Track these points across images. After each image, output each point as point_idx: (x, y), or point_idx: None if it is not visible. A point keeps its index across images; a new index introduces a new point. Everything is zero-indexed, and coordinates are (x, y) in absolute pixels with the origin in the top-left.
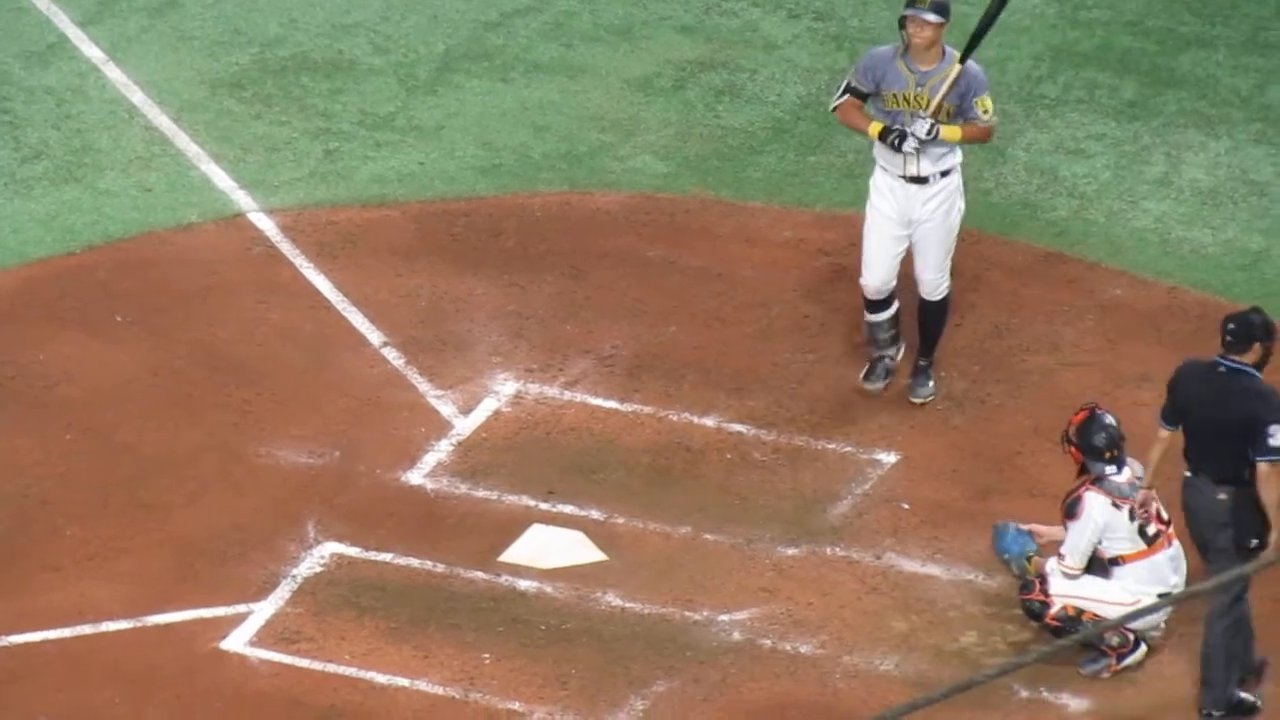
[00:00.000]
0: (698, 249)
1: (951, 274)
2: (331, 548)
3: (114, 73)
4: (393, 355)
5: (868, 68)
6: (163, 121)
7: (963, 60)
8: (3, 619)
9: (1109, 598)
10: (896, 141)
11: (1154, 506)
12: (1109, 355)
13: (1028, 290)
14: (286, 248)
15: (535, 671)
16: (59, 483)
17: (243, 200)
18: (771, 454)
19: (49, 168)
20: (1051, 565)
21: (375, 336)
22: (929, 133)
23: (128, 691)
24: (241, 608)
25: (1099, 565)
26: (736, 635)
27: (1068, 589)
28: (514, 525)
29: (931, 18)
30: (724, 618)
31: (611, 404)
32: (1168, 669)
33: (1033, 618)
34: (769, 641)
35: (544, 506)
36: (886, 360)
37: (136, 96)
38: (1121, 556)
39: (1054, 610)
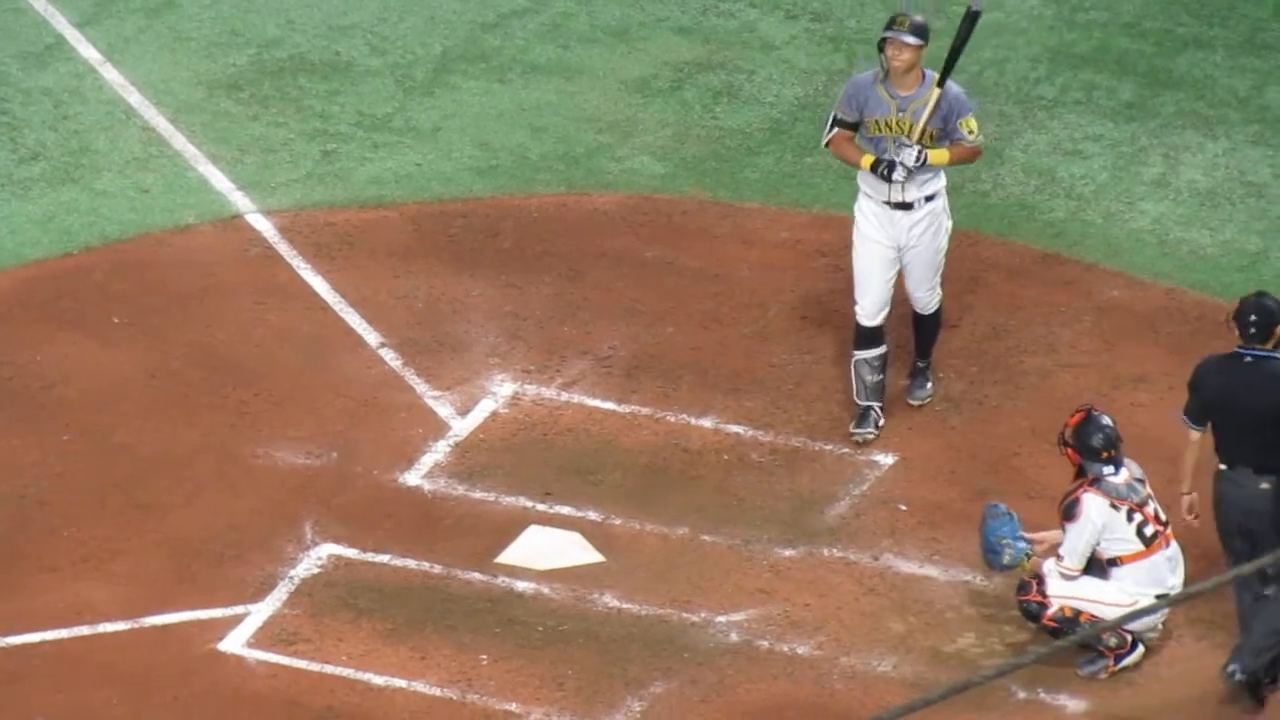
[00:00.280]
0: (695, 250)
1: (941, 284)
2: (329, 549)
3: (111, 74)
4: (390, 356)
5: (850, 96)
6: (160, 122)
7: (940, 83)
8: (0, 620)
9: (1107, 599)
10: (886, 172)
11: (1152, 507)
12: (1106, 356)
13: (1025, 291)
14: (284, 249)
15: (532, 672)
16: (56, 483)
17: (240, 201)
18: (769, 455)
19: (46, 169)
20: (1049, 566)
21: (372, 337)
22: (917, 159)
23: (125, 692)
24: (239, 609)
25: (1097, 566)
26: (734, 636)
27: (1065, 590)
28: (511, 526)
29: (910, 40)
30: (721, 619)
31: (609, 405)
32: (1165, 670)
33: (1030, 619)
34: (766, 643)
35: (541, 507)
36: (875, 412)
37: (134, 97)
38: (1120, 557)
39: (1051, 611)
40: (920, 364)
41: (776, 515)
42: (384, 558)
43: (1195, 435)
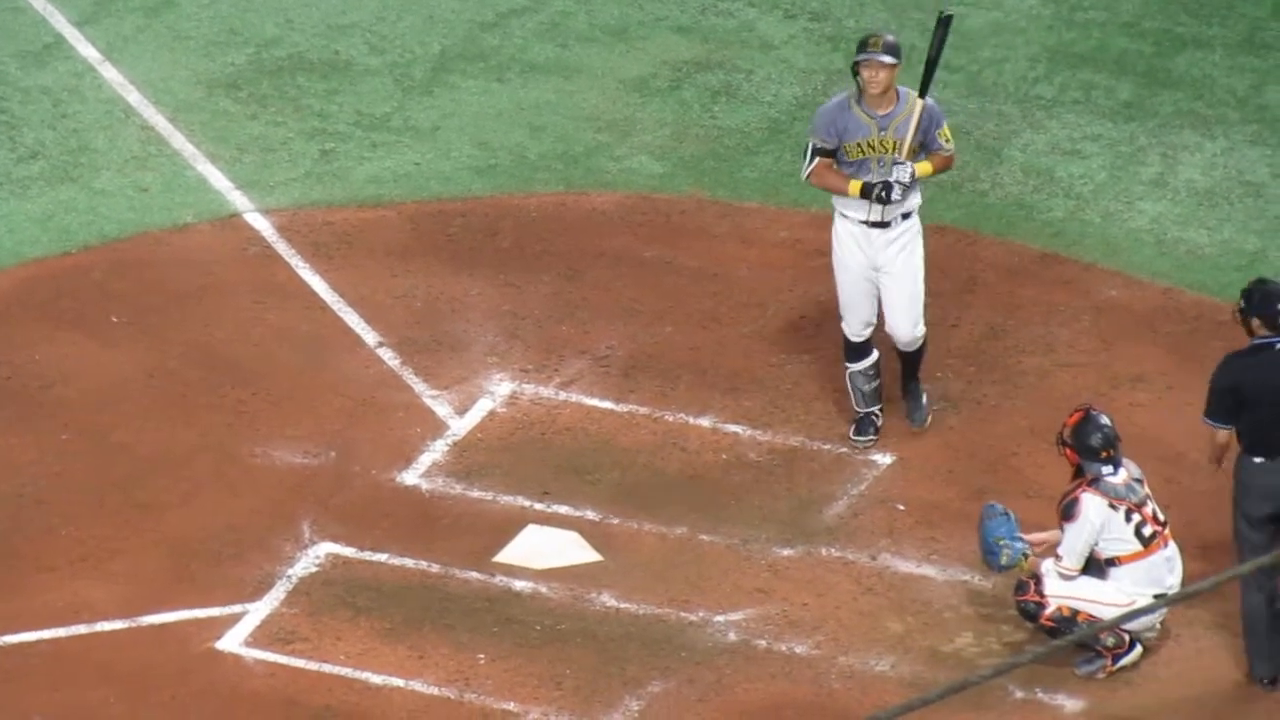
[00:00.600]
0: (693, 249)
1: (925, 319)
2: (327, 548)
3: (110, 73)
4: (388, 355)
5: (827, 124)
6: (159, 121)
7: (922, 94)
8: None
9: (1104, 598)
10: (884, 194)
11: (1150, 507)
12: (1105, 356)
13: (1023, 291)
14: (282, 248)
15: (530, 672)
16: (54, 483)
17: (238, 200)
18: (767, 455)
19: (45, 168)
20: (1048, 566)
21: (371, 337)
22: (910, 177)
23: (123, 691)
24: (237, 608)
25: (1095, 566)
26: (732, 636)
27: (1063, 590)
28: (509, 525)
29: (886, 59)
30: (719, 618)
31: (607, 404)
32: (1163, 670)
33: (1028, 618)
34: (764, 642)
35: (539, 507)
36: (874, 418)
37: (132, 96)
38: (1118, 557)
39: (1049, 611)
40: (911, 385)
41: (774, 515)
42: (382, 557)
43: (1224, 434)
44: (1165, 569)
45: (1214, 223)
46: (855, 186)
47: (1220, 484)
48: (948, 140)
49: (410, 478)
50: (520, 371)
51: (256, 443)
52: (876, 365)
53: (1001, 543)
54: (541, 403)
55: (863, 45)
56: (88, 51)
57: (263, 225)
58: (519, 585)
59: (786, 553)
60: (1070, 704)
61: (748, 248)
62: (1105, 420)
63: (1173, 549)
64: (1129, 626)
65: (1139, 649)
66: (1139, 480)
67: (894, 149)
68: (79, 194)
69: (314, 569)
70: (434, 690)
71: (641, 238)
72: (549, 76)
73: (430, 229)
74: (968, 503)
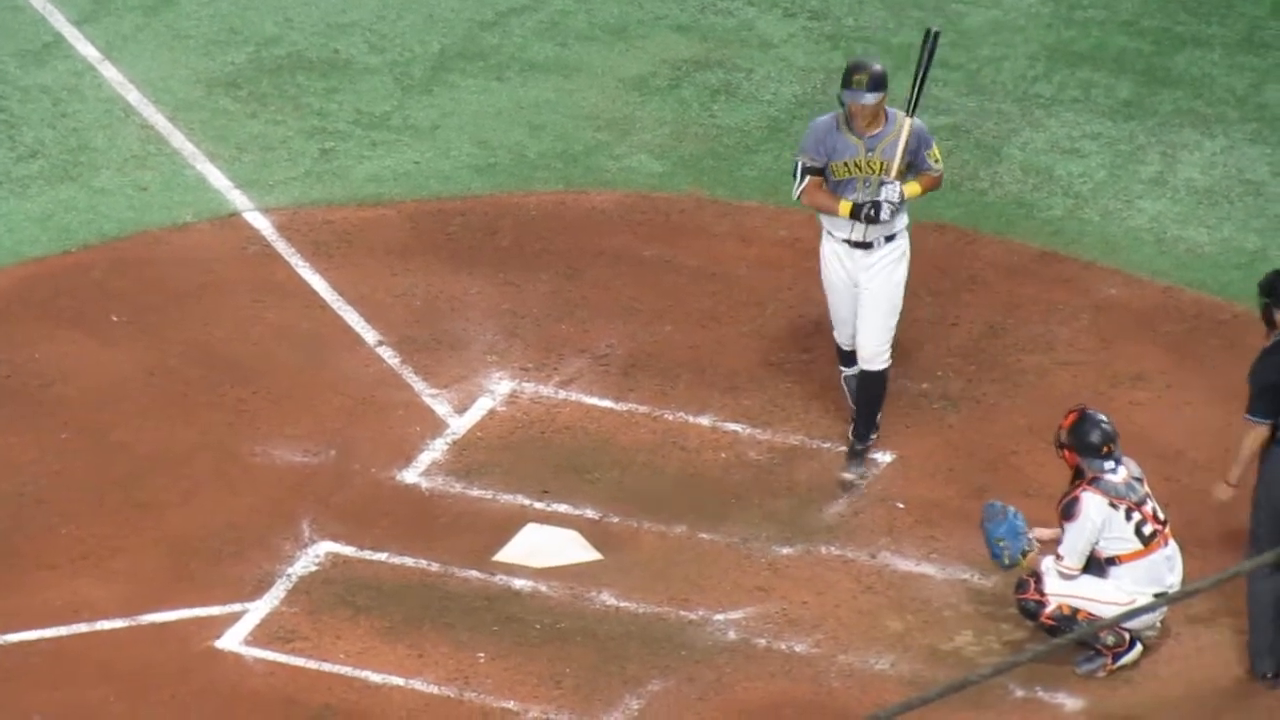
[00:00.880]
0: (693, 248)
1: (894, 347)
2: (326, 547)
3: (109, 71)
4: (388, 354)
5: (816, 142)
6: (158, 120)
7: (911, 113)
8: None
9: (1104, 597)
10: (873, 213)
11: (1150, 506)
12: (1104, 354)
13: (1023, 289)
14: (282, 247)
15: (530, 670)
16: (54, 481)
17: (238, 199)
18: (767, 453)
19: (44, 167)
20: (1048, 565)
21: (370, 335)
22: (899, 197)
23: (122, 690)
24: (236, 606)
25: (1095, 565)
26: (731, 634)
27: (1063, 588)
28: (509, 524)
29: (870, 100)
30: (719, 617)
31: (606, 403)
32: (1163, 669)
33: (1028, 617)
34: (764, 640)
35: (539, 505)
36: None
37: (132, 95)
38: (1118, 556)
39: (1049, 609)
40: (858, 446)
41: (774, 513)
42: (382, 555)
43: (1262, 428)
44: (1165, 568)
45: (1214, 221)
46: (845, 207)
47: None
48: (936, 161)
49: (410, 476)
50: (520, 370)
51: (256, 441)
52: None
53: (1001, 543)
54: (541, 401)
55: (847, 79)
56: (87, 50)
57: (262, 224)
58: (519, 584)
59: (786, 551)
60: (1070, 702)
61: (747, 246)
62: (1102, 417)
63: (1173, 547)
64: (1129, 625)
65: (1139, 647)
66: (1139, 479)
67: (881, 169)
68: (78, 193)
69: (314, 568)
70: (434, 689)
71: (641, 236)
72: (548, 75)
73: (430, 228)
74: (967, 501)
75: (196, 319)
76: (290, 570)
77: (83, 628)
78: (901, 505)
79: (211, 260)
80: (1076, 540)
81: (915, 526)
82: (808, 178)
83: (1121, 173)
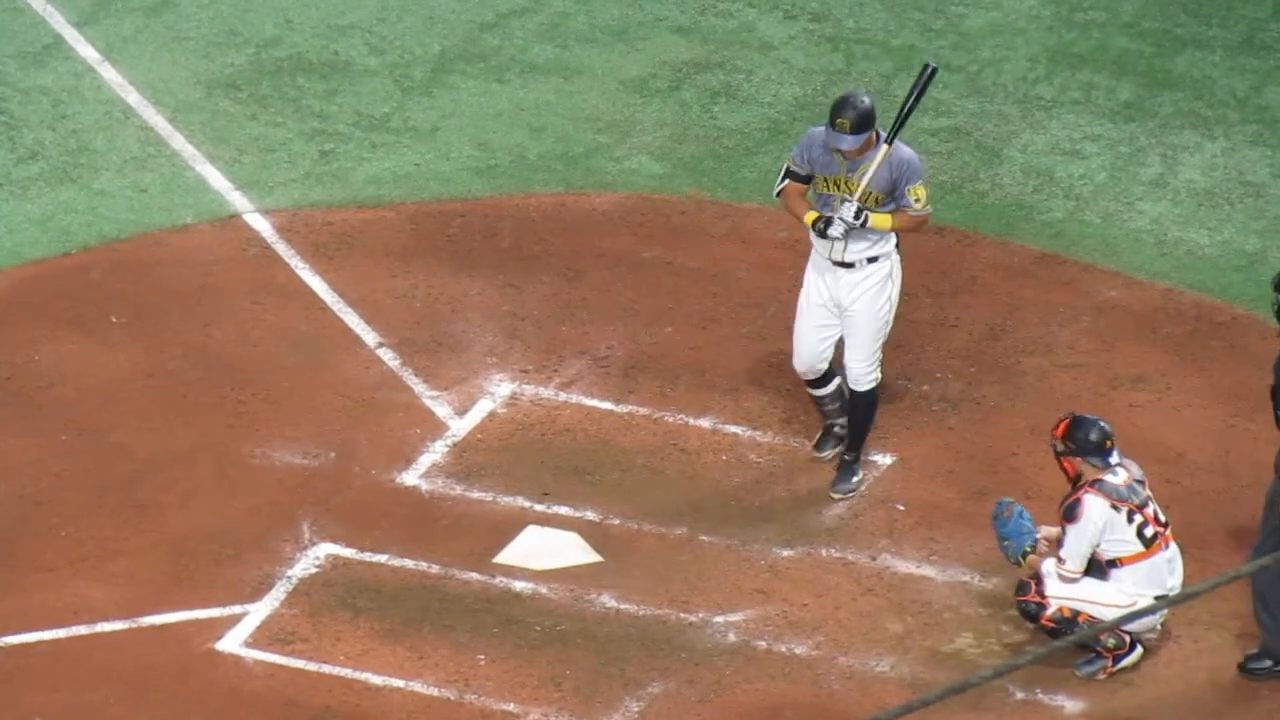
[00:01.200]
0: (693, 250)
1: (881, 366)
2: (326, 549)
3: (109, 73)
4: (388, 356)
5: (804, 149)
6: (158, 122)
7: (889, 141)
8: None
9: (1105, 599)
10: (823, 226)
11: (1151, 508)
12: (1105, 356)
13: (1023, 291)
14: (282, 249)
15: (530, 673)
16: (54, 483)
17: (238, 201)
18: (767, 455)
19: (44, 168)
20: (1048, 567)
21: (371, 337)
22: (856, 217)
23: (122, 692)
24: (236, 608)
25: (1096, 567)
26: (732, 637)
27: (1064, 591)
28: (509, 526)
29: (849, 145)
30: (719, 619)
31: (607, 405)
32: (1163, 671)
33: (1028, 619)
34: (764, 643)
35: (539, 508)
36: (836, 428)
37: (132, 97)
38: (1119, 559)
39: (1050, 612)
40: (848, 457)
41: (774, 515)
42: (382, 557)
43: None
44: (1166, 570)
45: (1214, 223)
46: (810, 216)
47: (1219, 485)
48: (918, 200)
49: (410, 478)
50: (520, 372)
51: (256, 443)
52: (839, 390)
53: (1005, 542)
54: (541, 403)
55: (832, 118)
56: (87, 52)
57: (262, 226)
58: (519, 586)
59: (786, 553)
60: (1071, 705)
61: (747, 248)
62: (1094, 417)
63: (1174, 550)
64: (1129, 627)
65: (1139, 650)
66: (1140, 481)
67: (854, 190)
68: (78, 194)
69: (314, 570)
70: (434, 691)
71: (641, 238)
72: (549, 77)
73: (430, 229)
74: (968, 503)
75: (196, 321)
76: (290, 572)
77: (82, 629)
78: (902, 507)
79: (211, 262)
80: (1078, 543)
81: (915, 528)
82: (788, 181)
83: (1122, 175)
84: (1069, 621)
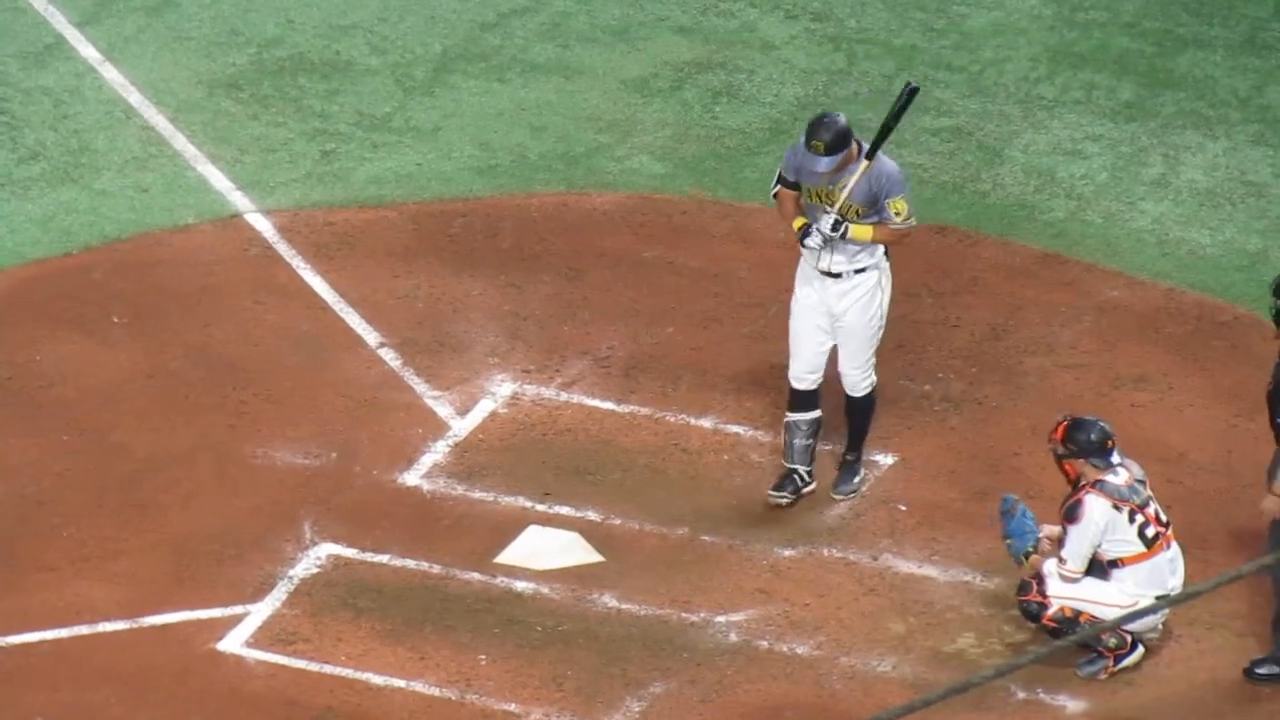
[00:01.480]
0: (694, 250)
1: (875, 369)
2: (328, 549)
3: (111, 73)
4: (389, 356)
5: (791, 157)
6: (159, 122)
7: (870, 155)
8: None
9: (1107, 599)
10: (801, 236)
11: (1153, 509)
12: (1106, 356)
13: (1025, 291)
14: (283, 248)
15: (531, 673)
16: (55, 483)
17: (239, 201)
18: (769, 455)
19: (46, 168)
20: (1050, 567)
21: (372, 337)
22: (834, 228)
23: (124, 692)
24: (238, 609)
25: (1097, 567)
26: (733, 636)
27: (1065, 591)
28: (510, 526)
29: (824, 167)
30: (721, 619)
31: (608, 405)
32: (1165, 671)
33: (1030, 619)
34: (766, 643)
35: (540, 508)
36: (797, 477)
37: (133, 97)
38: (1121, 559)
39: (1051, 612)
40: (849, 456)
41: (776, 515)
42: (383, 558)
43: None
44: (1168, 570)
45: (1216, 223)
46: (798, 223)
47: (1221, 485)
48: (899, 214)
49: (411, 478)
50: (521, 372)
51: (257, 443)
52: (816, 424)
53: (1008, 540)
54: (543, 403)
55: (807, 139)
56: (88, 52)
57: (264, 226)
58: (520, 586)
59: (788, 553)
60: (1072, 705)
61: (749, 248)
62: (1092, 418)
63: (1175, 550)
64: (1131, 627)
65: (1141, 650)
66: (1141, 481)
67: (833, 200)
68: (80, 195)
69: (315, 570)
70: (435, 691)
71: (643, 238)
72: (550, 77)
73: (431, 229)
74: (969, 503)
75: (197, 320)
76: (291, 572)
77: (84, 630)
78: (903, 507)
79: (213, 262)
80: (1079, 543)
81: (917, 528)
82: (780, 185)
83: (1123, 174)
84: (1070, 621)
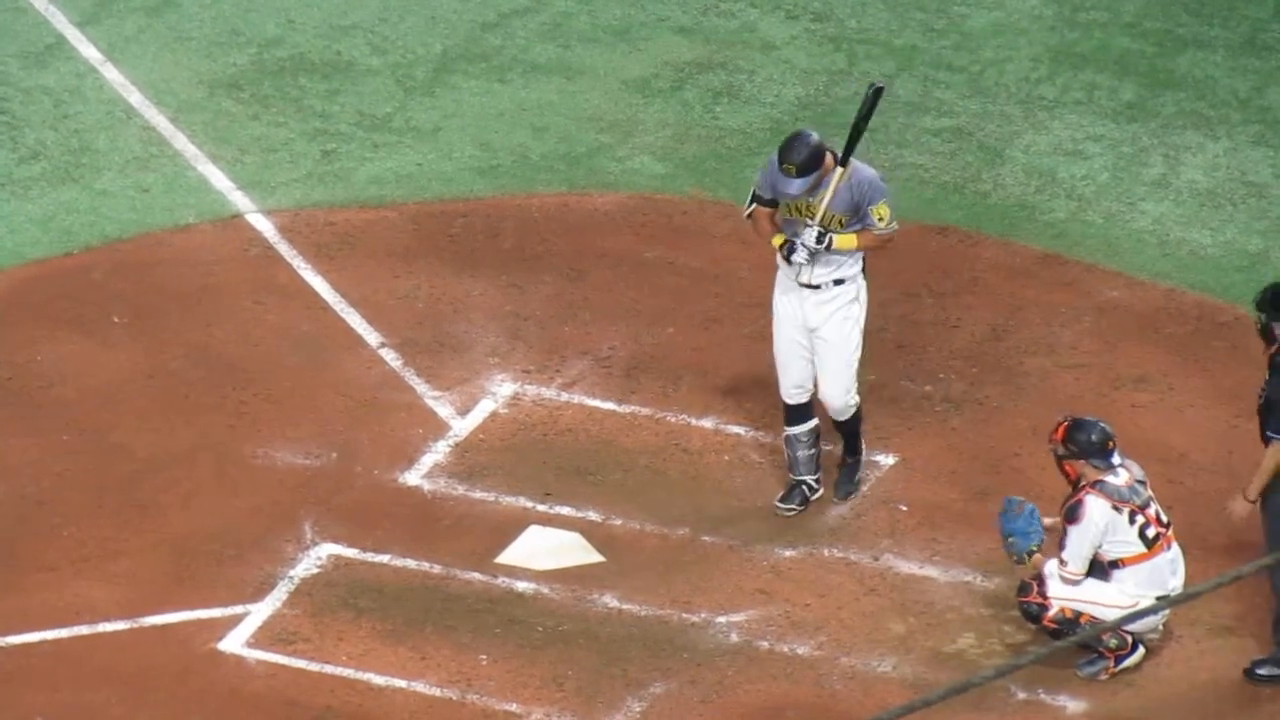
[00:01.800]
0: (695, 250)
1: (859, 390)
2: (328, 549)
3: (112, 73)
4: (390, 356)
5: (765, 174)
6: (160, 122)
7: (842, 162)
8: None
9: (1107, 600)
10: (786, 252)
11: (1153, 509)
12: (1107, 357)
13: (1025, 292)
14: (284, 249)
15: (532, 673)
16: (55, 483)
17: (240, 201)
18: (769, 455)
19: (46, 168)
20: (1050, 568)
21: (373, 337)
22: (819, 241)
23: (124, 692)
24: (238, 609)
25: (1098, 568)
26: (734, 637)
27: (1066, 592)
28: (511, 526)
29: (795, 189)
30: (721, 619)
31: (609, 405)
32: (1165, 671)
33: (1030, 620)
34: (766, 643)
35: (541, 508)
36: (804, 488)
37: (134, 97)
38: (1121, 559)
39: (1052, 612)
40: (849, 459)
41: (777, 516)
42: (384, 558)
43: None
44: (1168, 571)
45: (1216, 224)
46: (778, 239)
47: (1222, 486)
48: (882, 219)
49: (412, 478)
50: (522, 372)
51: (258, 443)
52: (815, 432)
53: (1010, 540)
54: (543, 404)
55: (780, 160)
56: (89, 52)
57: (264, 226)
58: (521, 586)
59: (789, 554)
60: (1072, 705)
61: (749, 248)
62: (1092, 418)
63: (1176, 551)
64: (1131, 628)
65: (1141, 650)
66: (1142, 482)
67: (813, 212)
68: (80, 194)
69: (315, 570)
70: (436, 691)
71: (643, 238)
72: (551, 77)
73: (432, 230)
74: (970, 504)
75: (198, 321)
76: (292, 572)
77: (84, 630)
78: (904, 507)
79: (213, 262)
80: (1080, 544)
81: (918, 529)
82: (755, 204)
83: (1124, 175)
84: (1071, 622)
